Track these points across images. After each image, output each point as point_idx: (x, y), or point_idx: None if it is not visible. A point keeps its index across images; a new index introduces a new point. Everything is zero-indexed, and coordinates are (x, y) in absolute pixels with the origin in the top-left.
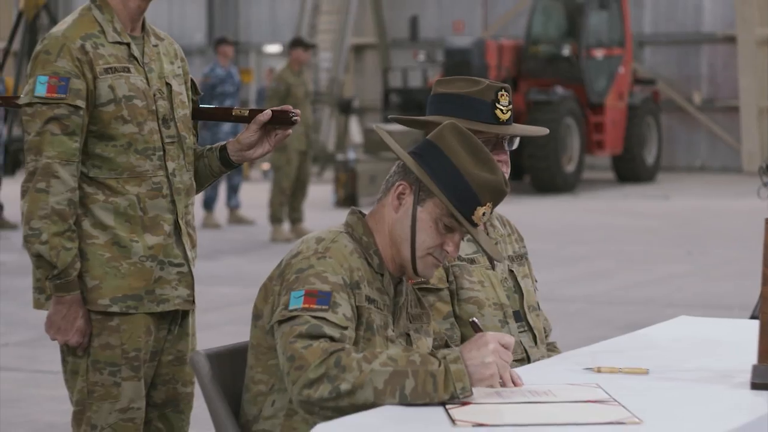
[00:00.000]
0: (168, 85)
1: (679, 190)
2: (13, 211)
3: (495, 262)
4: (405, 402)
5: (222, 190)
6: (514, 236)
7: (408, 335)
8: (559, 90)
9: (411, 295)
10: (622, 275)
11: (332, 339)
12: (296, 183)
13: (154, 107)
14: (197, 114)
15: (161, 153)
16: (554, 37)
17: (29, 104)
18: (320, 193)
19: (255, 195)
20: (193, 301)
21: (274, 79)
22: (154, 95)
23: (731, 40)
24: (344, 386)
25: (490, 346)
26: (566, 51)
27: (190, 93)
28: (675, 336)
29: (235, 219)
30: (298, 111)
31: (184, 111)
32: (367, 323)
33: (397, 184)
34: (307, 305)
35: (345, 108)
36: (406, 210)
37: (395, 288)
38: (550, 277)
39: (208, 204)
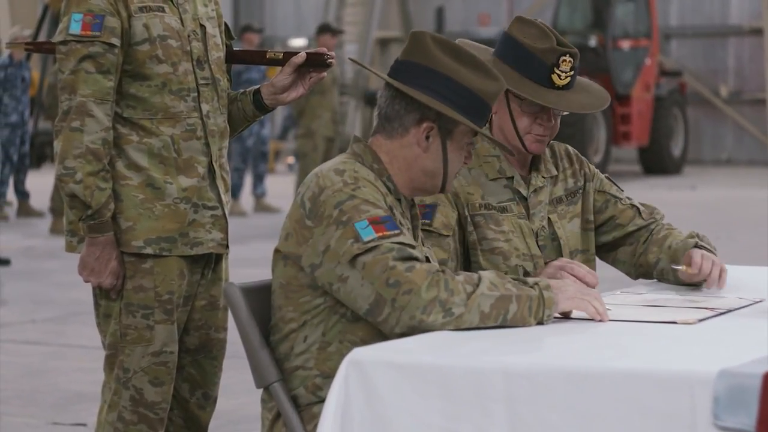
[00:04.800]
0: (202, 27)
1: (705, 181)
2: (38, 201)
3: (531, 212)
4: (503, 326)
5: (248, 179)
6: (569, 171)
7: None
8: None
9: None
10: None
11: (421, 261)
12: None
13: (188, 48)
14: (231, 57)
15: (195, 94)
16: (580, 28)
17: (63, 42)
18: None
19: (280, 187)
20: (227, 246)
21: None
22: (189, 36)
23: (758, 32)
24: (456, 310)
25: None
26: (592, 42)
27: (223, 36)
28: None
29: (261, 207)
30: (333, 53)
31: (218, 54)
32: None
33: (423, 126)
34: (380, 233)
35: (370, 100)
36: (436, 148)
37: (410, 212)
38: None
39: (234, 192)
